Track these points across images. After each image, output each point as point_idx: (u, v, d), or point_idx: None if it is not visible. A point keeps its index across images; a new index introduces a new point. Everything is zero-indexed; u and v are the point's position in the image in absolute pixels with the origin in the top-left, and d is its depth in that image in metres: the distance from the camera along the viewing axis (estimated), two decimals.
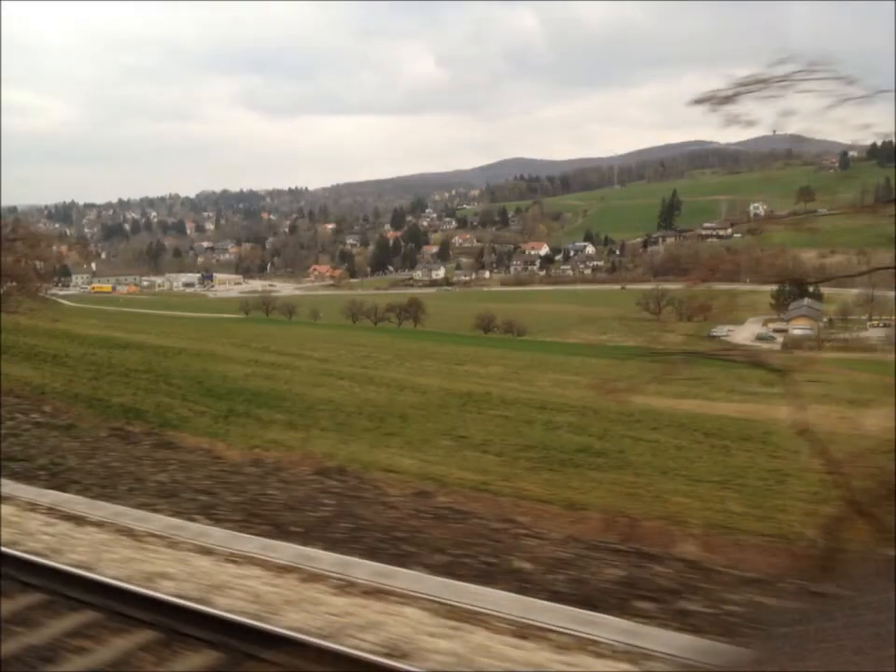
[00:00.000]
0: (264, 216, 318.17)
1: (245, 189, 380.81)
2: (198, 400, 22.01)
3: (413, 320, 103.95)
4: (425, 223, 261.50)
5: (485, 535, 6.89)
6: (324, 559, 5.72)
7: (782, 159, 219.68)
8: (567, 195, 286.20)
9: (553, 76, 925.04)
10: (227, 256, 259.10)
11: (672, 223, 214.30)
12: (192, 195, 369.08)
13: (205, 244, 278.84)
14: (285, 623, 4.57)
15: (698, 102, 7.32)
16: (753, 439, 24.03)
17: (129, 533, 6.29)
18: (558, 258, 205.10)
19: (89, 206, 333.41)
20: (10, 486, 7.51)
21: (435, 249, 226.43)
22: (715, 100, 7.17)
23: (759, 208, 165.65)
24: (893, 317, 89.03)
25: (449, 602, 4.94)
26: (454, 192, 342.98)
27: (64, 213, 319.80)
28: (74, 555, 5.67)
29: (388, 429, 21.32)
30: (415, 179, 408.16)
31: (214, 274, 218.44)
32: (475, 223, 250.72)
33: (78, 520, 6.60)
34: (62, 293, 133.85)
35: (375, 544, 6.39)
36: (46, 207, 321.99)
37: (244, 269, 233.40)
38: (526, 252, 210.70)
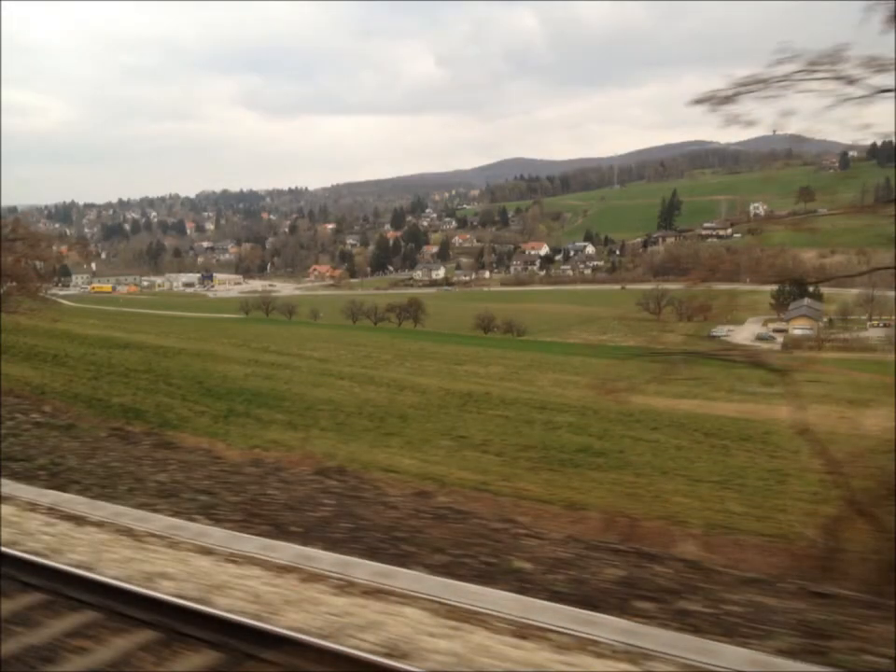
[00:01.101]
0: (264, 216, 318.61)
1: (245, 189, 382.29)
2: (198, 400, 22.03)
3: (413, 320, 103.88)
4: (425, 223, 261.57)
5: (485, 535, 6.88)
6: (324, 559, 5.71)
7: (782, 159, 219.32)
8: (567, 195, 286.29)
9: (553, 76, 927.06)
10: (227, 256, 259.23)
11: (672, 223, 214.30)
12: (192, 195, 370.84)
13: (205, 244, 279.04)
14: (285, 623, 4.57)
15: (698, 102, 7.33)
16: (753, 439, 24.06)
17: (129, 533, 6.28)
18: (558, 258, 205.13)
19: (89, 206, 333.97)
20: (10, 486, 7.50)
21: (435, 249, 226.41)
22: (715, 100, 7.18)
23: (759, 208, 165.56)
24: (893, 317, 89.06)
25: (449, 602, 4.94)
26: (454, 192, 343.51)
27: (64, 213, 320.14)
28: (74, 555, 5.66)
29: (388, 429, 21.35)
30: (415, 179, 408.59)
31: (214, 274, 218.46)
32: (475, 223, 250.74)
33: (78, 520, 6.59)
34: (62, 293, 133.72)
35: (375, 544, 6.38)
36: (46, 207, 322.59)
37: (244, 269, 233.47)
38: (526, 252, 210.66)
